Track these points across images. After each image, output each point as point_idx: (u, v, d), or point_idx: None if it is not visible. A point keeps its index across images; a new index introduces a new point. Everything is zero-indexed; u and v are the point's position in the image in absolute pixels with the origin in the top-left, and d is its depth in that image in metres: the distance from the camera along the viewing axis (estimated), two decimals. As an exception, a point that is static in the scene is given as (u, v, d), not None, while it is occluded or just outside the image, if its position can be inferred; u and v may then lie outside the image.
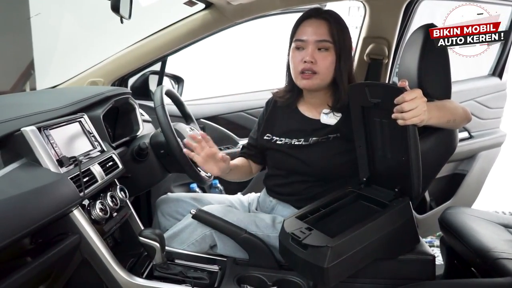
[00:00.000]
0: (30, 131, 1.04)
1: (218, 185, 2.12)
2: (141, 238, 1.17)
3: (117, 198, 1.27)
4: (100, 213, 1.15)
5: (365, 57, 1.97)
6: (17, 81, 3.26)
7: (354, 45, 2.03)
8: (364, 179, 1.28)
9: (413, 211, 1.21)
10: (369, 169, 1.28)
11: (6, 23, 2.99)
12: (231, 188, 2.15)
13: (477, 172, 2.37)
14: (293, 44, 1.35)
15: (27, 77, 3.27)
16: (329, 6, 2.27)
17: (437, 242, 2.70)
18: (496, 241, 1.44)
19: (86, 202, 1.17)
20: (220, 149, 2.18)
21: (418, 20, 1.98)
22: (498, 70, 2.43)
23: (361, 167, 1.29)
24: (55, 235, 1.06)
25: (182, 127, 1.56)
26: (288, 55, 1.39)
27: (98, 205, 1.16)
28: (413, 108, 1.04)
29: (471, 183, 2.36)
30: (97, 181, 1.17)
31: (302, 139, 1.38)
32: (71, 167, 1.10)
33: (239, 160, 1.53)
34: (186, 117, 1.76)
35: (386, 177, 1.24)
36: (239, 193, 1.84)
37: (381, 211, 1.13)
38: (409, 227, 1.18)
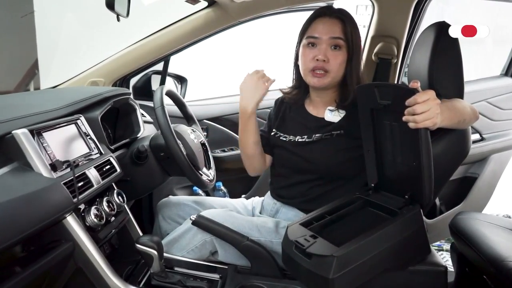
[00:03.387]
0: (21, 134, 0.99)
1: (222, 187, 2.08)
2: (138, 245, 1.12)
3: (114, 203, 1.22)
4: (95, 220, 1.10)
5: (373, 57, 1.90)
6: (21, 81, 3.25)
7: (362, 44, 1.97)
8: (372, 185, 1.23)
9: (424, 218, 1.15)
10: (377, 175, 1.22)
11: (10, 23, 2.98)
12: (235, 191, 2.11)
13: (488, 176, 2.29)
14: (304, 41, 1.32)
15: (31, 76, 3.26)
16: (336, 4, 2.21)
17: (446, 246, 2.64)
18: (510, 249, 1.38)
19: (82, 206, 1.13)
20: (224, 151, 2.15)
21: (427, 19, 1.92)
22: (511, 70, 2.35)
23: (369, 173, 1.24)
24: (48, 243, 1.02)
25: (183, 128, 1.52)
26: (296, 52, 1.37)
27: (93, 210, 1.12)
28: (426, 111, 0.98)
29: (482, 186, 2.29)
30: (92, 185, 1.13)
31: (306, 136, 1.36)
32: (65, 171, 1.06)
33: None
34: (188, 118, 1.72)
35: (396, 183, 1.18)
36: (242, 197, 1.80)
37: (391, 219, 1.08)
38: (420, 237, 1.12)
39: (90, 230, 1.10)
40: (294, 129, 1.40)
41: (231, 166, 2.12)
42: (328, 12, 1.30)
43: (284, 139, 1.40)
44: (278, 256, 1.26)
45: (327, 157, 1.31)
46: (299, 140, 1.36)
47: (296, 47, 1.38)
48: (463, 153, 1.29)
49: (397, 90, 1.10)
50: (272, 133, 1.45)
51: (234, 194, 2.06)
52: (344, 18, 1.29)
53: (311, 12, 1.35)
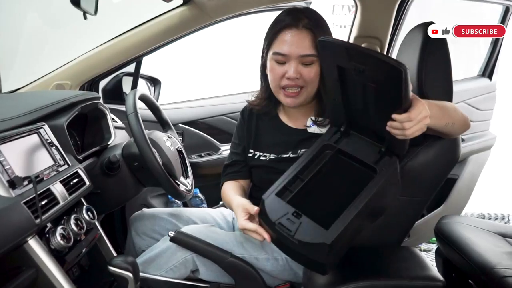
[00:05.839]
0: (-27, 148, 0.87)
1: (199, 194, 1.99)
2: (111, 267, 1.02)
3: (83, 221, 1.11)
4: (61, 242, 0.99)
5: (356, 58, 1.85)
6: (-21, 83, 3.04)
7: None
8: (342, 129, 1.14)
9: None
10: (347, 119, 1.13)
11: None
12: (212, 197, 2.02)
13: (468, 177, 2.29)
14: (272, 56, 1.19)
15: (-9, 78, 3.06)
16: (314, 4, 2.16)
17: (423, 246, 2.64)
18: (499, 255, 1.37)
19: (48, 225, 1.01)
20: (201, 156, 2.05)
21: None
22: (488, 71, 2.37)
23: (336, 118, 1.15)
24: (7, 271, 0.90)
25: (158, 135, 1.41)
26: (263, 62, 1.25)
27: (59, 231, 1.00)
28: (416, 125, 0.95)
29: (462, 188, 2.29)
30: (58, 203, 1.01)
31: (290, 152, 1.25)
32: (26, 188, 0.94)
33: (235, 189, 1.31)
34: (163, 124, 1.61)
35: (368, 128, 1.11)
36: (221, 204, 1.71)
37: (372, 181, 1.01)
38: (395, 186, 1.08)
39: (56, 253, 0.99)
40: (274, 146, 1.28)
41: (208, 172, 2.03)
42: (294, 24, 1.16)
43: (264, 158, 1.28)
44: (264, 274, 1.20)
45: None
46: (283, 156, 1.25)
47: (262, 57, 1.26)
48: (453, 160, 1.26)
49: (377, 61, 0.99)
50: (250, 154, 1.32)
51: (211, 200, 1.99)
52: (312, 28, 1.16)
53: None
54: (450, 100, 1.26)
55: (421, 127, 0.96)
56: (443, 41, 1.25)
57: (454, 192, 2.27)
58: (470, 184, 2.34)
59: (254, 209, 1.09)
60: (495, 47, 2.31)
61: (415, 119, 0.94)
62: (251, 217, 1.10)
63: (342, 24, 2.98)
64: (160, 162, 1.28)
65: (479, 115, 2.33)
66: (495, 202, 3.31)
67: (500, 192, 3.29)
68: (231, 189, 1.30)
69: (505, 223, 3.31)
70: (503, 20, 2.23)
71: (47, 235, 1.00)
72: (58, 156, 1.13)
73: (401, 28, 1.87)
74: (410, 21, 1.87)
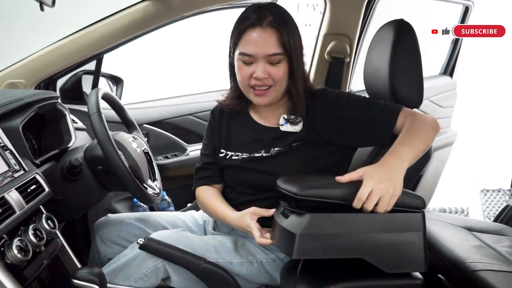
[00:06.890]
0: None
1: (166, 197, 1.93)
2: (75, 280, 0.95)
3: (43, 231, 1.03)
4: (19, 255, 0.90)
5: (326, 56, 1.85)
6: None
7: (313, 42, 1.92)
8: None
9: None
10: None
11: None
12: (180, 199, 1.97)
13: (432, 173, 2.35)
14: (238, 56, 1.16)
15: None
16: (279, 2, 2.15)
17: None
18: (468, 249, 1.39)
19: (4, 237, 0.93)
20: (167, 157, 1.99)
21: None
22: (449, 69, 2.44)
23: None
24: (-44, 290, 0.81)
25: (124, 137, 1.35)
26: (230, 61, 1.23)
27: (15, 243, 0.91)
28: (378, 201, 0.93)
29: (427, 183, 2.34)
30: (14, 212, 0.94)
31: (263, 151, 1.22)
32: (-24, 198, 0.86)
33: (217, 198, 1.28)
34: (127, 124, 1.55)
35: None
36: (188, 205, 1.65)
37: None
38: (415, 244, 1.01)
39: (13, 268, 0.90)
40: (246, 144, 1.25)
41: (175, 174, 1.99)
42: (258, 23, 1.13)
43: (237, 157, 1.25)
44: (239, 278, 1.16)
45: (291, 171, 1.17)
46: (256, 155, 1.22)
47: (230, 56, 1.23)
48: (425, 159, 1.26)
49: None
50: (221, 154, 1.28)
51: (178, 203, 1.94)
52: (277, 26, 1.13)
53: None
54: (421, 96, 1.28)
55: (387, 198, 0.93)
56: (414, 39, 1.26)
57: (420, 188, 2.31)
58: (434, 179, 2.40)
59: (271, 211, 1.11)
60: (456, 46, 2.38)
61: (364, 198, 0.93)
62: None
63: (307, 23, 2.98)
64: (127, 165, 1.22)
65: (441, 112, 2.39)
66: (453, 196, 3.44)
67: (458, 186, 3.42)
68: (213, 198, 1.26)
69: (465, 216, 3.45)
70: (463, 19, 2.30)
71: (2, 249, 0.91)
72: (12, 161, 1.05)
73: (369, 25, 1.89)
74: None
